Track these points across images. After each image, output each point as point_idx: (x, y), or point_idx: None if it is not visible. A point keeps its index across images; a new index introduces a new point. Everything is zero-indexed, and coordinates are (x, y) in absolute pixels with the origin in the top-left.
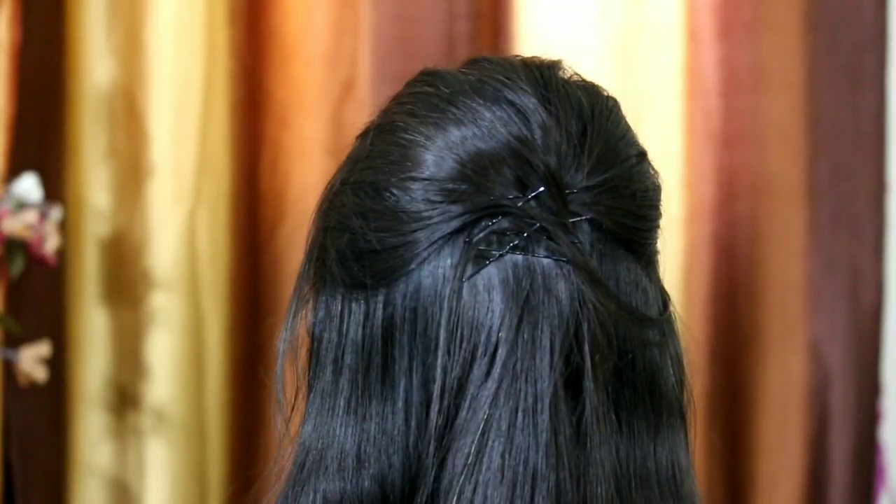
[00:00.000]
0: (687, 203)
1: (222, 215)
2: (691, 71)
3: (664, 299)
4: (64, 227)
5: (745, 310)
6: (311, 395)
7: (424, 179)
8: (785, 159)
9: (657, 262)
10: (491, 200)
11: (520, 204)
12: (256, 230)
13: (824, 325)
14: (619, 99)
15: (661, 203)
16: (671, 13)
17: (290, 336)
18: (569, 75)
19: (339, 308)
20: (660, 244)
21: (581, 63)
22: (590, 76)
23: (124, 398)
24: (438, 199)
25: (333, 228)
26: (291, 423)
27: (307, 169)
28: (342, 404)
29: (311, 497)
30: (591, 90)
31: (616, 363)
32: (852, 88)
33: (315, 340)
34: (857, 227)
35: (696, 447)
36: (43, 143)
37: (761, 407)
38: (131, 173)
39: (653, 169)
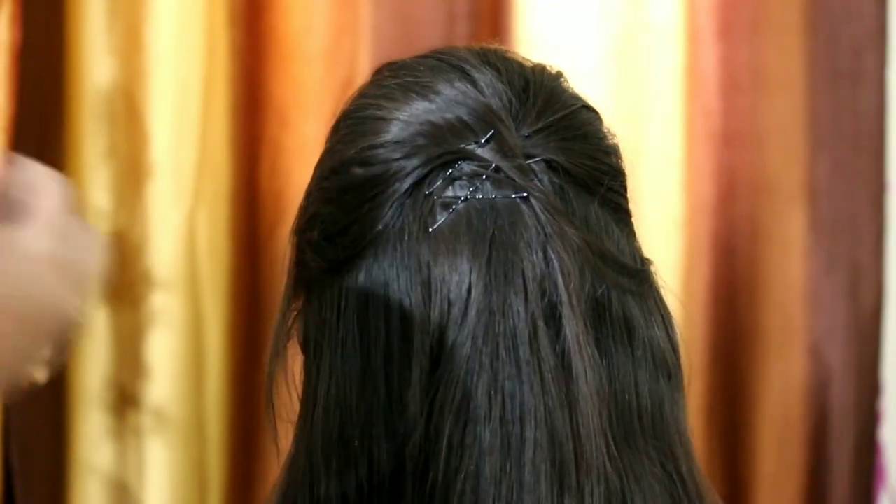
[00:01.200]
0: (687, 203)
1: (222, 215)
2: (691, 71)
3: (642, 259)
4: None
5: (745, 310)
6: (303, 404)
7: (382, 145)
8: (785, 159)
9: (632, 224)
10: (445, 148)
11: (474, 149)
12: (256, 230)
13: (824, 325)
14: (618, 99)
15: (624, 161)
16: (671, 13)
17: (278, 356)
18: (513, 55)
19: (319, 301)
20: (659, 241)
21: (581, 63)
22: (590, 76)
23: (124, 398)
24: (396, 156)
25: (307, 230)
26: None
27: (307, 169)
28: (324, 390)
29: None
30: (535, 63)
31: (591, 295)
32: (852, 88)
33: (305, 352)
34: (857, 227)
35: (696, 447)
36: (43, 143)
37: (761, 407)
38: (131, 173)
39: (609, 131)
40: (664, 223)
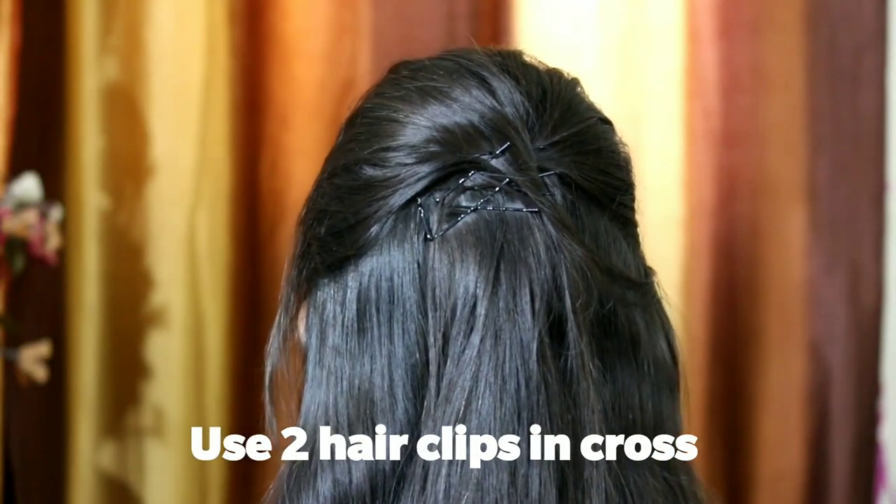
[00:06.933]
0: (687, 203)
1: (222, 215)
2: (691, 71)
3: (646, 271)
4: (64, 227)
5: (745, 310)
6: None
7: (396, 148)
8: (785, 159)
9: (637, 235)
10: (459, 157)
11: (488, 160)
12: (256, 230)
13: (824, 325)
14: (618, 99)
15: (633, 174)
16: (671, 13)
17: (278, 348)
18: (530, 60)
19: (323, 297)
20: (659, 241)
21: (581, 63)
22: (590, 76)
23: (124, 398)
24: (410, 161)
25: (314, 224)
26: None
27: (307, 169)
28: (325, 385)
29: (308, 497)
30: (552, 70)
31: (598, 311)
32: (852, 88)
33: (306, 348)
34: (857, 227)
35: (697, 447)
36: (43, 143)
37: (761, 407)
38: (131, 173)
39: (621, 141)
40: (664, 223)
